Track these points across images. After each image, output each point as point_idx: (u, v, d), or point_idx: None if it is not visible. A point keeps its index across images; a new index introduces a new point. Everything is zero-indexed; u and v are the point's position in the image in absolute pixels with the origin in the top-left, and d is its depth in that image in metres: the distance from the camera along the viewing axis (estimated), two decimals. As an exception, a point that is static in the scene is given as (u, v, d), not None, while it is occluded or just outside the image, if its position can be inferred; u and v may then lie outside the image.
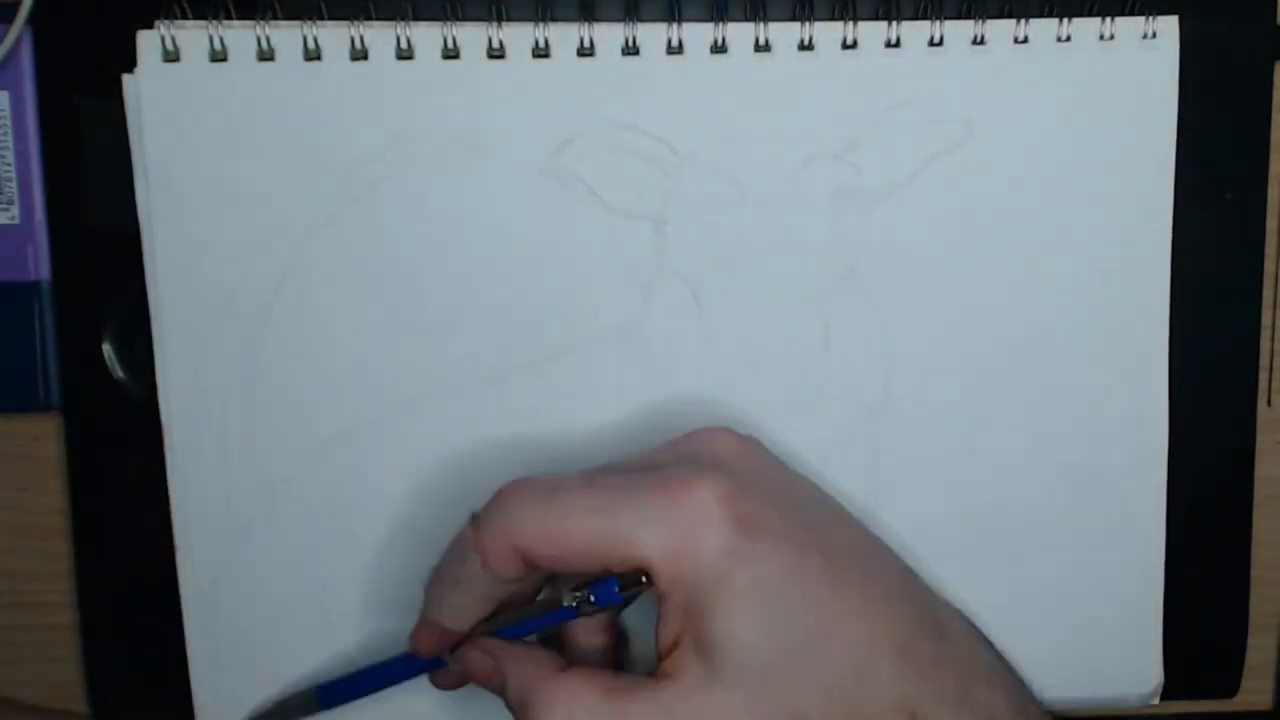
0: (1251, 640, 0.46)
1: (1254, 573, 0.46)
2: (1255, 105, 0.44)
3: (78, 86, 0.42)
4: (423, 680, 0.40)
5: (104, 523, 0.44)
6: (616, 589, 0.34)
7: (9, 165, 0.42)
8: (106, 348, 0.43)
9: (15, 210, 0.42)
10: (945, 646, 0.35)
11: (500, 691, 0.36)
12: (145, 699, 0.45)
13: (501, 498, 0.35)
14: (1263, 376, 0.45)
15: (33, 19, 0.41)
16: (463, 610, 0.37)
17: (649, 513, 0.33)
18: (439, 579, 0.37)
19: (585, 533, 0.33)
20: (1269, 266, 0.45)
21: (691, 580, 0.33)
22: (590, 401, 0.43)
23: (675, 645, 0.34)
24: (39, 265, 0.43)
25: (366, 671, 0.41)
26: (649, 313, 0.42)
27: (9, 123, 0.42)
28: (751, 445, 0.37)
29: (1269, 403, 0.45)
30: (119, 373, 0.43)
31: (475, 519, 0.35)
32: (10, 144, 0.42)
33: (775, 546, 0.33)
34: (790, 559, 0.33)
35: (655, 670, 0.34)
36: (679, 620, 0.33)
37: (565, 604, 0.35)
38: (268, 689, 0.44)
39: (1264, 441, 0.45)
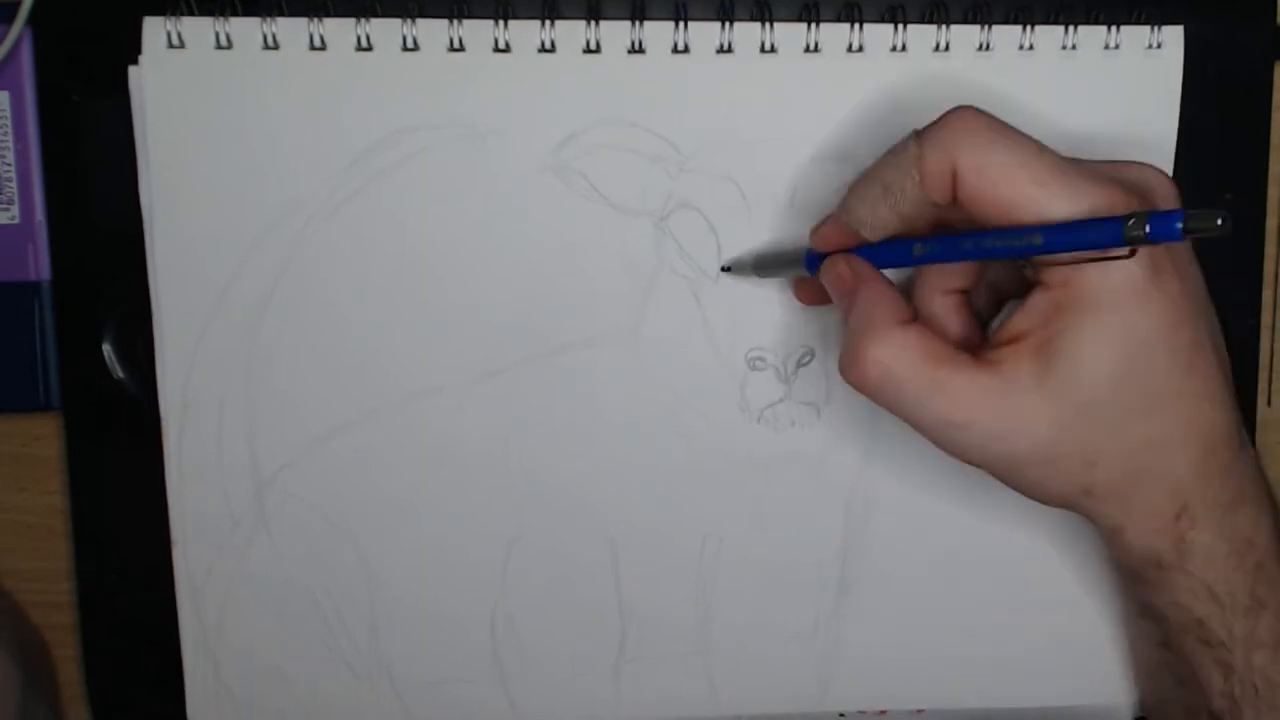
0: (1251, 639, 0.46)
1: (1254, 572, 0.46)
2: (1255, 105, 0.44)
3: (78, 86, 0.41)
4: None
5: (103, 522, 0.44)
6: (1180, 226, 0.30)
7: (9, 165, 0.42)
8: (106, 348, 0.43)
9: (15, 210, 0.42)
10: (1239, 462, 0.36)
11: (844, 312, 0.37)
12: (145, 698, 0.45)
13: (952, 119, 0.34)
14: (1262, 376, 0.45)
15: (33, 19, 0.41)
16: (881, 222, 0.36)
17: (1081, 207, 0.32)
18: (865, 185, 0.36)
19: (1018, 190, 0.33)
20: (1269, 267, 0.45)
21: (1082, 286, 0.33)
22: (589, 397, 0.43)
23: (1017, 339, 0.34)
24: (39, 265, 0.42)
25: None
26: (649, 310, 0.42)
27: (9, 123, 0.42)
28: (1179, 200, 0.36)
29: (1269, 403, 0.46)
30: (119, 373, 0.43)
31: (918, 134, 0.35)
32: (10, 144, 0.42)
33: (1168, 305, 0.33)
34: (1173, 322, 0.33)
35: (982, 354, 0.34)
36: (1037, 317, 0.34)
37: (1108, 235, 0.31)
38: (260, 682, 0.44)
39: (1264, 441, 0.46)
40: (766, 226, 0.42)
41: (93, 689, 0.45)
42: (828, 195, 0.42)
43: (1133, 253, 0.32)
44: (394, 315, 0.42)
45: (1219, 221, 0.30)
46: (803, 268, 0.39)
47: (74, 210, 0.42)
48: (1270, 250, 0.45)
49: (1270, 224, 0.45)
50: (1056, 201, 0.32)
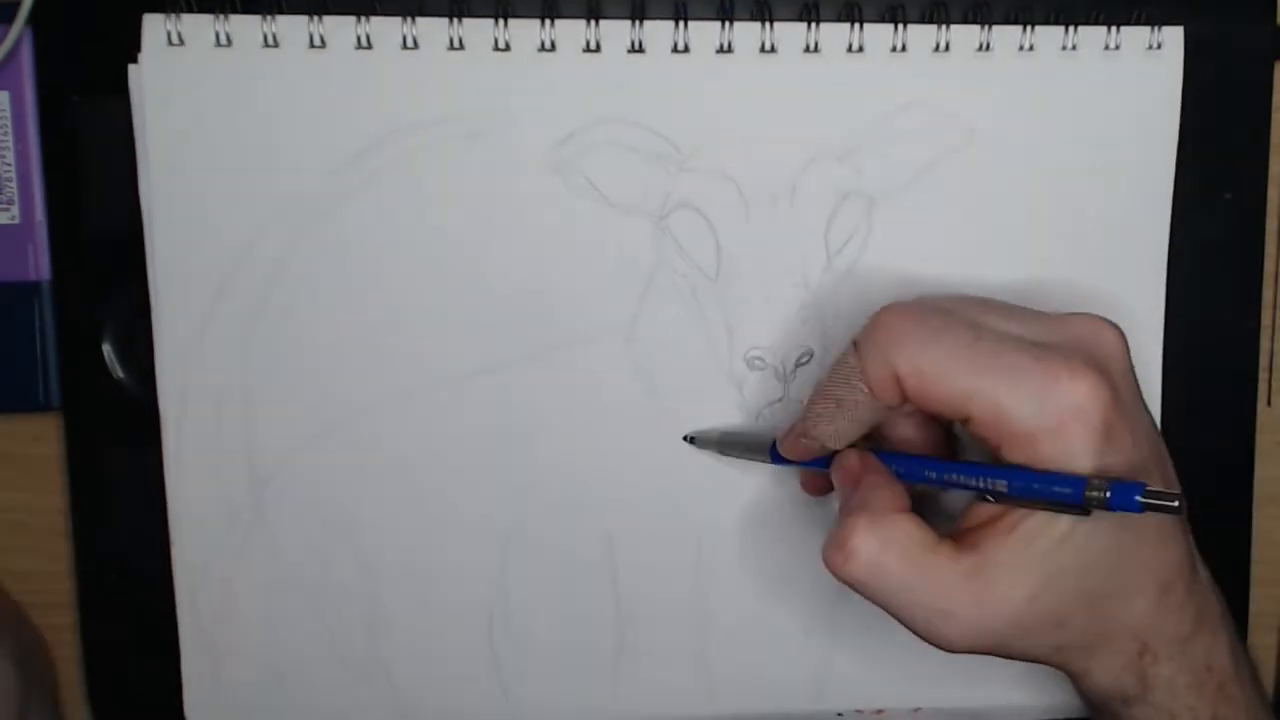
0: (1251, 640, 0.47)
1: (1254, 573, 0.46)
2: (1255, 105, 0.44)
3: (78, 86, 0.41)
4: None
5: (104, 522, 0.44)
6: (1138, 498, 0.32)
7: (9, 165, 0.42)
8: (106, 348, 0.43)
9: (15, 210, 0.42)
10: (1193, 593, 0.36)
11: (846, 497, 0.37)
12: (145, 698, 0.45)
13: (880, 323, 0.35)
14: (1262, 376, 0.45)
15: (33, 19, 0.41)
16: (843, 433, 0.36)
17: (1027, 388, 0.33)
18: (822, 400, 0.36)
19: (959, 385, 0.33)
20: (1269, 266, 0.45)
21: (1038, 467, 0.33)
22: (586, 396, 0.43)
23: (990, 522, 0.34)
24: (39, 265, 0.42)
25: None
26: (647, 309, 0.42)
27: (9, 123, 0.42)
28: (1127, 351, 0.35)
29: (1269, 403, 0.46)
30: (119, 373, 0.43)
31: (856, 345, 0.35)
32: (10, 144, 0.42)
33: (1123, 467, 0.33)
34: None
35: (960, 537, 0.35)
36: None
37: (1072, 493, 0.32)
38: (258, 679, 0.44)
39: (1264, 441, 0.45)
40: (765, 226, 0.42)
41: (93, 689, 0.45)
42: (827, 195, 0.42)
43: (1087, 512, 0.33)
44: (392, 313, 0.42)
45: (1175, 504, 0.31)
46: (767, 455, 0.40)
47: (74, 210, 0.42)
48: (1270, 250, 0.45)
49: (1270, 224, 0.45)
50: (1001, 388, 0.33)
